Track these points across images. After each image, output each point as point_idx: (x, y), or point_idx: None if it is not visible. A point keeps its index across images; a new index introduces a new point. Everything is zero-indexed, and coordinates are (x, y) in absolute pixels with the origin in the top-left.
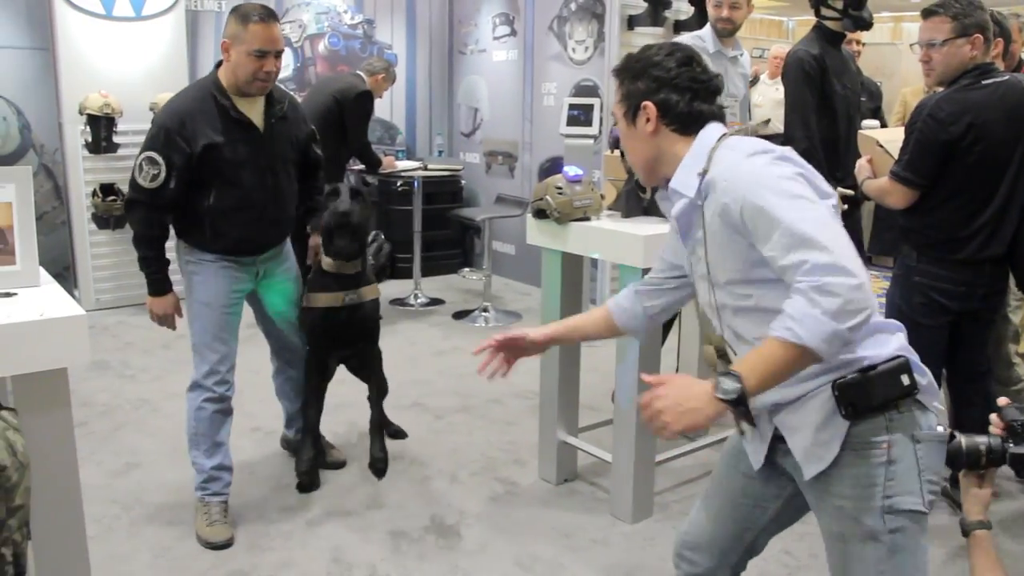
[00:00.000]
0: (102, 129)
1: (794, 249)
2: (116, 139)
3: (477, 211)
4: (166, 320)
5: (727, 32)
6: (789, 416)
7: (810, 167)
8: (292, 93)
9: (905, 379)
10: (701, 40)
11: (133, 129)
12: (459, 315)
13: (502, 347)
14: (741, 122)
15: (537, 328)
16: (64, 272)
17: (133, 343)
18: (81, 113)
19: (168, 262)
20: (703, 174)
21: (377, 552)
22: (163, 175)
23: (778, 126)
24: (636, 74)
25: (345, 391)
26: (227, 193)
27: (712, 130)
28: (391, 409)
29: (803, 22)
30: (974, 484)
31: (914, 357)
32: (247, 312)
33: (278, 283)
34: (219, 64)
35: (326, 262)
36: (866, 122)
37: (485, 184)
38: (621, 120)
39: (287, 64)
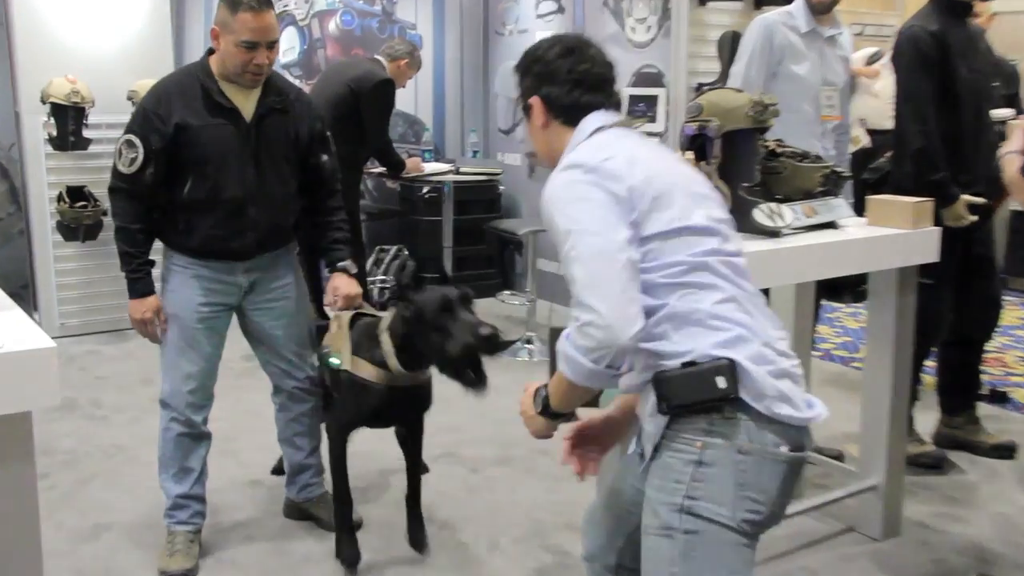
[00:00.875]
0: (69, 121)
1: (569, 282)
2: (86, 133)
3: (519, 223)
4: (145, 326)
5: (824, 7)
6: (639, 407)
7: (617, 171)
8: (298, 82)
9: (721, 382)
10: (791, 17)
11: (107, 122)
12: None
13: (579, 443)
14: (841, 115)
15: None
16: (21, 291)
17: (106, 378)
18: (44, 102)
19: (152, 263)
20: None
21: None
22: (141, 158)
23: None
24: (524, 70)
25: (355, 438)
26: (201, 184)
27: (587, 123)
28: None
29: None
30: None
31: (748, 361)
32: (245, 344)
33: (272, 302)
34: (210, 52)
35: (392, 363)
36: (996, 112)
37: (528, 191)
38: (523, 115)
39: (292, 47)
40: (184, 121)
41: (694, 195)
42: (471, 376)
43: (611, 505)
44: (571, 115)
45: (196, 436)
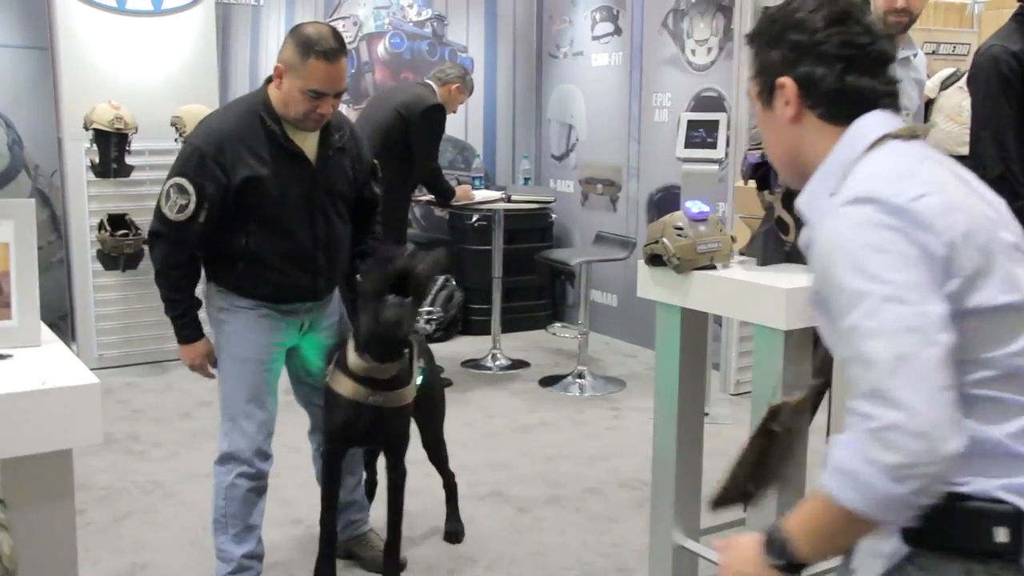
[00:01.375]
0: (112, 148)
1: (853, 363)
2: (129, 160)
3: (571, 253)
4: (199, 369)
5: (901, 27)
6: None
7: (934, 219)
8: (346, 106)
9: (1001, 534)
10: None
11: (150, 148)
12: (547, 381)
13: None
14: None
15: None
16: (60, 322)
17: (143, 411)
18: (87, 128)
19: (198, 303)
20: (835, 194)
21: None
22: (192, 206)
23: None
24: (772, 40)
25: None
26: (269, 235)
27: (865, 128)
28: (464, 500)
29: (993, 6)
30: None
31: None
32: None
33: (322, 338)
34: (270, 79)
35: (352, 359)
36: None
37: (581, 219)
38: (756, 101)
39: None
40: (254, 173)
41: (1010, 249)
42: (389, 311)
43: None
44: (838, 108)
45: (262, 489)
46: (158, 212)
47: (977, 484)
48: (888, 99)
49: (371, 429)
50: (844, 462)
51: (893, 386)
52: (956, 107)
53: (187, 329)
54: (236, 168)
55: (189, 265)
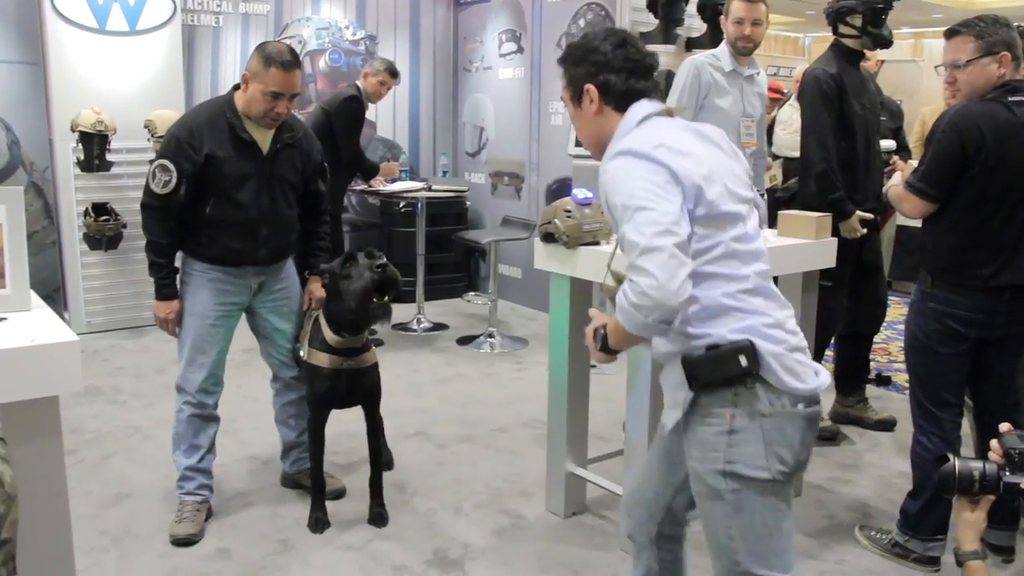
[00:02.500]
0: (95, 147)
1: (627, 250)
2: (109, 157)
3: (482, 233)
4: (167, 324)
5: (747, 51)
6: (663, 374)
7: (666, 159)
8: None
9: (743, 360)
10: (716, 59)
11: (127, 147)
12: (463, 341)
13: None
14: (758, 143)
15: None
16: (54, 294)
17: (125, 368)
18: (73, 130)
19: (176, 270)
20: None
21: None
22: (174, 181)
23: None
24: (577, 60)
25: (348, 417)
26: (223, 206)
27: (638, 109)
28: (392, 439)
29: (819, 39)
30: (967, 509)
31: (762, 338)
32: (245, 337)
33: (276, 301)
34: (237, 86)
35: (329, 336)
36: (883, 142)
37: (491, 206)
38: (568, 103)
39: None
40: (213, 152)
41: (728, 179)
42: (378, 311)
43: (646, 486)
44: (623, 101)
45: (206, 417)
46: (147, 189)
47: (715, 333)
48: (654, 92)
49: (350, 389)
50: (621, 302)
51: (644, 262)
52: (788, 120)
53: (167, 288)
54: (202, 149)
55: (174, 234)
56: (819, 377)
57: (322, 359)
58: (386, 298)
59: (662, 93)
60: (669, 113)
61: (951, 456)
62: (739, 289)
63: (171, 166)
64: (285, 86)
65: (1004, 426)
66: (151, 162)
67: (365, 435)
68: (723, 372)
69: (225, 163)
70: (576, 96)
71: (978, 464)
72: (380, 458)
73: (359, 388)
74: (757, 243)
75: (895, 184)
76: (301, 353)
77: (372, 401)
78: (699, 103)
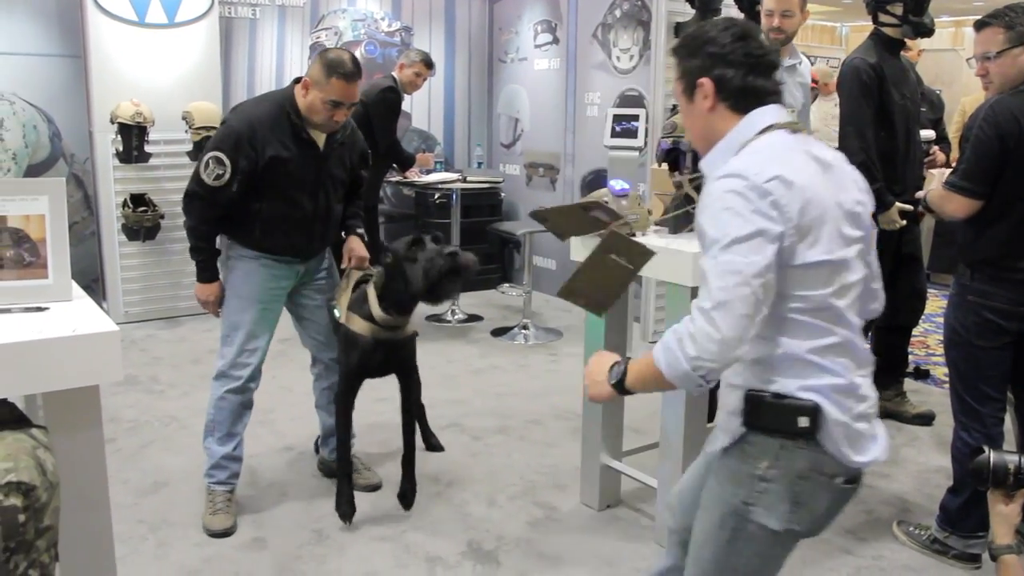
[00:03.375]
0: (133, 138)
1: (702, 283)
2: (148, 148)
3: (517, 225)
4: (208, 305)
5: (778, 43)
6: (723, 392)
7: (778, 196)
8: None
9: (803, 421)
10: None
11: (165, 138)
12: (498, 332)
13: None
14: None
15: None
16: (93, 284)
17: (162, 358)
18: (112, 122)
19: (218, 252)
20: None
21: None
22: (227, 176)
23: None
24: (692, 51)
25: (382, 408)
26: (280, 203)
27: (761, 116)
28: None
29: (856, 28)
30: (1001, 503)
31: (831, 403)
32: (281, 326)
33: (319, 280)
34: (297, 80)
35: (377, 312)
36: (923, 132)
37: (526, 197)
38: (680, 97)
39: None
40: (277, 154)
41: (841, 220)
42: (446, 293)
43: (693, 484)
44: (741, 100)
45: (247, 404)
46: (197, 177)
47: (785, 384)
48: (776, 96)
49: (385, 359)
50: (668, 341)
51: (715, 315)
52: (825, 115)
53: (207, 271)
54: (265, 149)
55: (217, 222)
56: (877, 444)
57: (362, 326)
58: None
59: (781, 95)
60: (794, 128)
61: (986, 448)
62: (825, 345)
63: (227, 160)
64: (346, 96)
65: None
66: (197, 151)
67: (399, 426)
68: (779, 424)
69: (288, 164)
70: (689, 89)
71: (1014, 457)
72: (413, 434)
73: (395, 358)
74: (856, 291)
75: (933, 188)
76: (336, 313)
77: (408, 371)
78: None
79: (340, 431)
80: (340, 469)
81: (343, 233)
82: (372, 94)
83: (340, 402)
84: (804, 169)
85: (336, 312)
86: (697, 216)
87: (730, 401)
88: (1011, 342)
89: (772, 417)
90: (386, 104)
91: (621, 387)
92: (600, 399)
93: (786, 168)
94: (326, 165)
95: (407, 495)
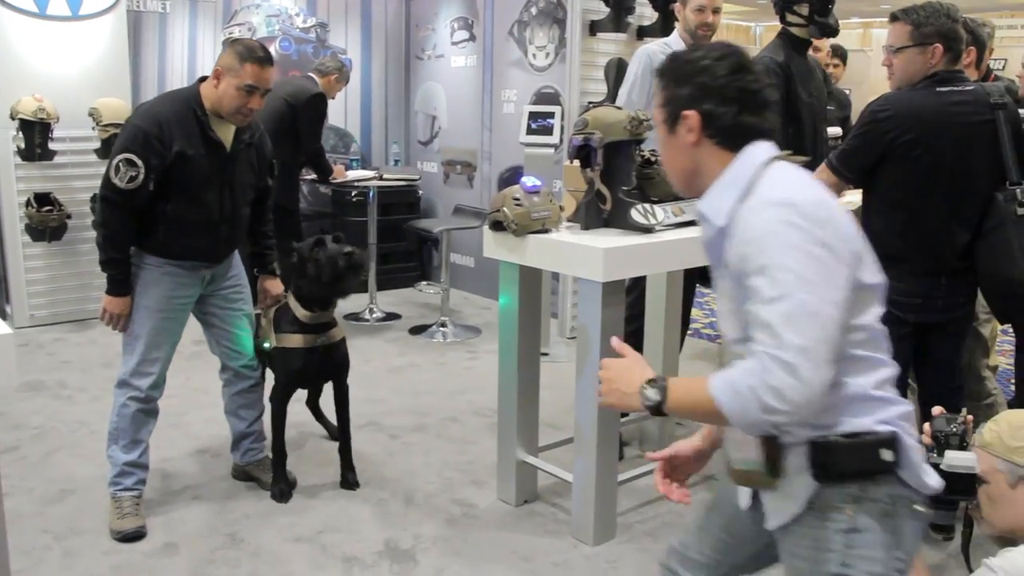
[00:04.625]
0: (36, 135)
1: (763, 328)
2: (52, 146)
3: (435, 222)
4: (117, 320)
5: (706, 38)
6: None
7: (832, 224)
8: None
9: (886, 454)
10: (668, 47)
11: (70, 135)
12: (416, 330)
13: (668, 471)
14: None
15: (689, 440)
16: None
17: (70, 361)
18: (13, 118)
19: (131, 264)
20: (742, 200)
21: None
22: (142, 177)
23: None
24: (681, 78)
25: (297, 408)
26: (186, 204)
27: (758, 151)
28: None
29: (771, 28)
30: None
31: (904, 432)
32: (194, 330)
33: (225, 291)
34: (201, 79)
35: (301, 313)
36: (829, 129)
37: (443, 194)
38: (660, 125)
39: None
40: (183, 150)
41: (868, 248)
42: (348, 287)
43: (708, 549)
44: (731, 138)
45: (150, 412)
46: (108, 183)
47: (853, 423)
48: (769, 134)
49: (322, 365)
50: (739, 382)
51: (798, 362)
52: None
53: (122, 284)
54: (172, 145)
55: (132, 228)
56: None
57: (295, 340)
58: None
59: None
60: (789, 159)
61: None
62: (885, 378)
63: (138, 161)
64: (260, 81)
65: (936, 409)
66: (106, 149)
67: (307, 423)
68: (861, 465)
69: (194, 162)
70: (671, 120)
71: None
72: (348, 425)
73: (331, 362)
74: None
75: None
76: (266, 345)
77: (342, 375)
78: (652, 92)
79: (275, 428)
80: (276, 458)
81: (255, 269)
82: (301, 98)
83: (276, 403)
84: (830, 194)
85: (267, 345)
86: (731, 255)
87: (790, 460)
88: (910, 332)
89: (851, 460)
90: (315, 111)
91: (657, 409)
92: (623, 408)
93: (824, 195)
94: (233, 166)
95: (350, 480)
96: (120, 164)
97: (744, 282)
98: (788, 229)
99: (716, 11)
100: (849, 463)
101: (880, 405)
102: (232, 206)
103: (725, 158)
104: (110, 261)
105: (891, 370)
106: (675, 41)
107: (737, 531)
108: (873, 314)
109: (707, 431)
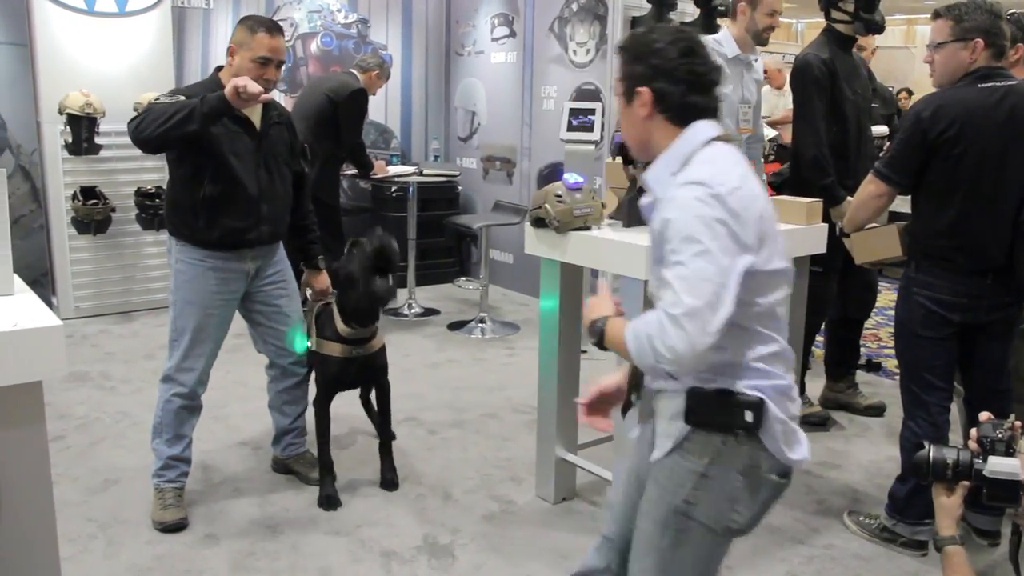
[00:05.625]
0: (83, 129)
1: (669, 290)
2: (98, 140)
3: (474, 218)
4: (246, 88)
5: (766, 41)
6: (658, 401)
7: (741, 208)
8: (283, 94)
9: (748, 415)
10: (720, 44)
11: (116, 130)
12: (454, 326)
13: (594, 404)
14: (753, 128)
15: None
16: (42, 279)
17: (114, 353)
18: (61, 112)
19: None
20: (675, 174)
21: (367, 574)
22: (182, 99)
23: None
24: (635, 56)
25: (336, 403)
26: (221, 182)
27: (700, 131)
28: None
29: (812, 24)
30: (943, 495)
31: (773, 403)
32: (235, 323)
33: (273, 281)
34: (219, 68)
35: (341, 327)
36: (875, 128)
37: (482, 190)
38: (619, 97)
39: None
40: (210, 132)
41: (778, 235)
42: (382, 291)
43: (625, 495)
44: (680, 115)
45: (194, 408)
46: (149, 105)
47: (728, 383)
48: (713, 113)
49: (360, 374)
50: (640, 331)
51: (686, 322)
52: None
53: (215, 99)
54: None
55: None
56: (804, 445)
57: (333, 348)
58: (389, 277)
59: (717, 110)
60: (727, 139)
61: (926, 443)
62: (769, 353)
63: (179, 96)
64: (273, 51)
65: (983, 415)
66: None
67: (348, 418)
68: (724, 419)
69: (222, 140)
70: (628, 93)
71: (952, 452)
72: (390, 425)
73: (369, 371)
74: (787, 302)
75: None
76: (309, 344)
77: (382, 378)
78: None
79: (320, 436)
80: (322, 467)
81: (301, 264)
82: (343, 93)
83: (318, 409)
84: (752, 179)
85: (308, 344)
86: (656, 221)
87: (671, 406)
88: (955, 332)
89: (717, 412)
90: (357, 106)
91: (600, 344)
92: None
93: (742, 179)
94: (265, 142)
95: (392, 480)
96: (160, 96)
97: (661, 246)
98: (701, 206)
99: (777, 14)
100: (714, 415)
101: (757, 375)
102: (268, 183)
103: (673, 132)
104: (182, 109)
105: (778, 347)
106: (725, 38)
107: (642, 472)
108: (776, 296)
109: (627, 367)
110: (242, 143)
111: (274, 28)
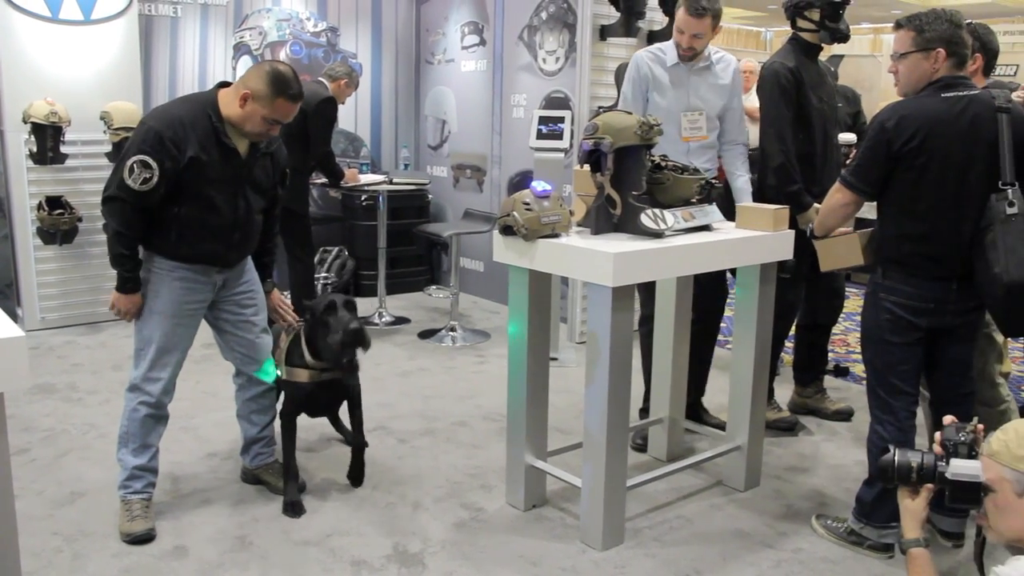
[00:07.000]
0: (48, 139)
1: None
2: (63, 149)
3: (444, 227)
4: (128, 316)
5: (688, 59)
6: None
7: None
8: None
9: None
10: (661, 52)
11: (82, 139)
12: (425, 334)
13: None
14: (707, 135)
15: None
16: (6, 289)
17: (81, 364)
18: (25, 121)
19: (140, 262)
20: None
21: None
22: (155, 179)
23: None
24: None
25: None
26: (199, 208)
27: None
28: None
29: (780, 33)
30: (908, 498)
31: None
32: (204, 333)
33: (241, 292)
34: (221, 84)
35: (309, 360)
36: (842, 135)
37: (453, 199)
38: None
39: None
40: (197, 155)
41: None
42: (344, 362)
43: None
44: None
45: (160, 417)
46: (121, 184)
47: None
48: None
49: (329, 396)
50: None
51: None
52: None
53: (131, 282)
54: (186, 150)
55: (139, 227)
56: None
57: (302, 375)
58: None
59: None
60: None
61: (891, 447)
62: None
63: (153, 163)
64: (288, 116)
65: (947, 419)
66: (116, 152)
67: (321, 425)
68: None
69: (207, 167)
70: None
71: (916, 455)
72: (361, 430)
73: (340, 393)
74: None
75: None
76: (278, 372)
77: (355, 399)
78: (644, 97)
79: (286, 448)
80: (287, 475)
81: (264, 285)
82: (311, 102)
83: (285, 423)
84: None
85: (278, 372)
86: None
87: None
88: (922, 337)
89: None
90: (325, 115)
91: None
92: None
93: None
94: (247, 172)
95: (358, 477)
96: (135, 165)
97: None
98: None
99: (696, 37)
100: None
101: None
102: (246, 212)
103: None
104: (118, 257)
105: None
106: (669, 46)
107: None
108: None
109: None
110: (224, 171)
111: (297, 97)
